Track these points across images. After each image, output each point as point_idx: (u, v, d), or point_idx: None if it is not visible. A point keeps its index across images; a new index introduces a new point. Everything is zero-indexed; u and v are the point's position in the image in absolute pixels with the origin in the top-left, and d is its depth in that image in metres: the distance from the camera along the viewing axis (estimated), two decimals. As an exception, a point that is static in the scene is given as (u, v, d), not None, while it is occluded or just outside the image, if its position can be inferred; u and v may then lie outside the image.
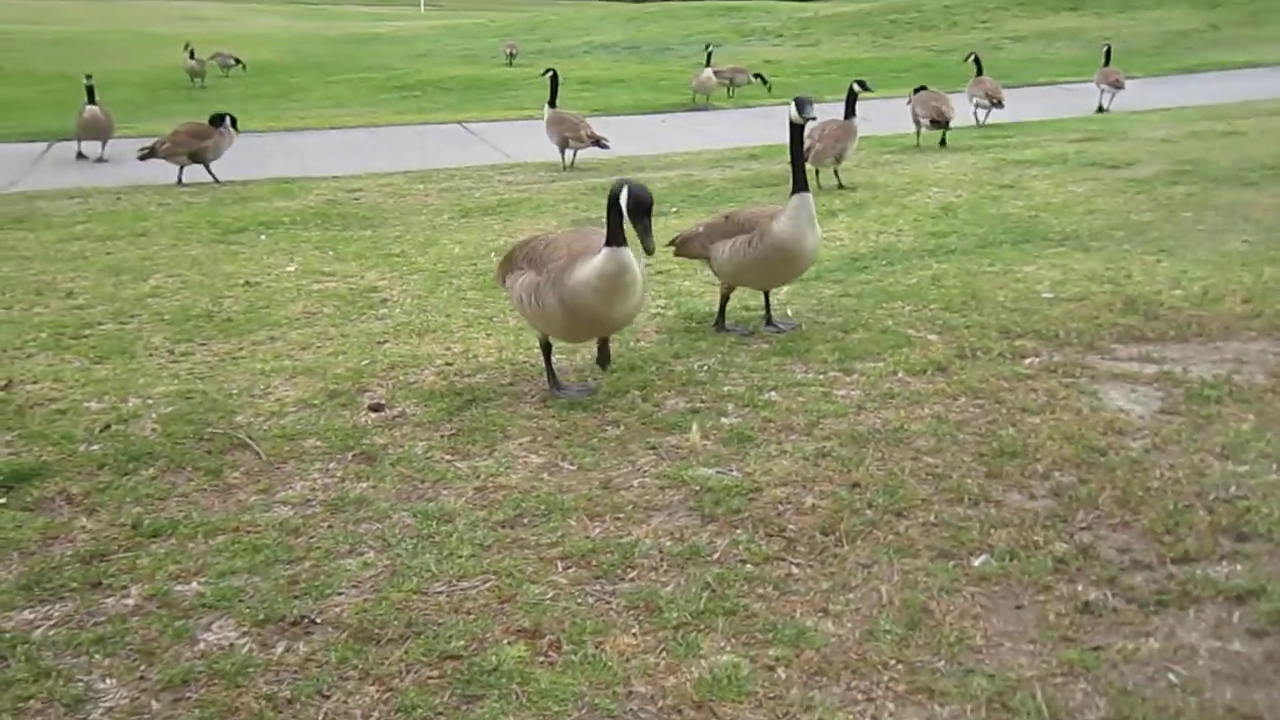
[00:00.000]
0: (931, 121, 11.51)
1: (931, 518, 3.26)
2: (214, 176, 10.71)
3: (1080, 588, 2.88)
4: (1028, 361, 4.58)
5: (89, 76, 12.48)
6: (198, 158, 10.60)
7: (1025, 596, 2.86)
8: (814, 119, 5.14)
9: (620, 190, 3.91)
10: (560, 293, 4.04)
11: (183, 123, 11.05)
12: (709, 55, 18.17)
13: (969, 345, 4.79)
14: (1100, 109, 15.36)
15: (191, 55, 21.69)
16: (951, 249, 6.78)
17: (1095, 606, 2.79)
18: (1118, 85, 15.45)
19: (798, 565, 3.03)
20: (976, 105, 13.63)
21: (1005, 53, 24.90)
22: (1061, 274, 5.92)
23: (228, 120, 10.69)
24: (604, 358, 4.49)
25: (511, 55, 26.38)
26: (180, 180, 10.68)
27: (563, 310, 4.08)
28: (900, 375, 4.50)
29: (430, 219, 8.61)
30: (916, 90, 11.98)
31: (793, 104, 5.02)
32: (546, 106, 11.29)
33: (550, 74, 11.55)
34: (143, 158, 10.64)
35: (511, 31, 34.27)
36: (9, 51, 26.54)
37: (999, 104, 13.42)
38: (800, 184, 4.91)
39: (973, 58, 14.42)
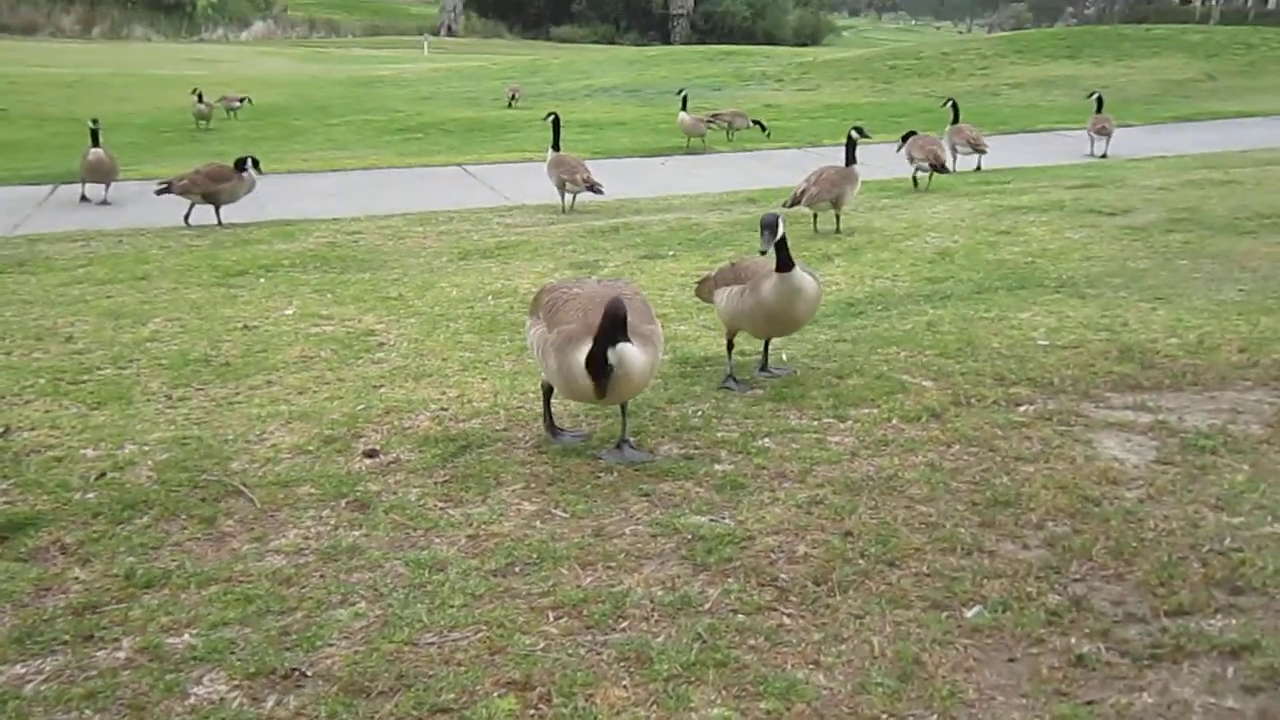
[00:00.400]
0: (931, 165, 11.60)
1: (924, 568, 3.26)
2: (219, 219, 10.76)
3: (1073, 640, 2.87)
4: (1022, 409, 4.59)
5: (94, 120, 12.59)
6: (211, 199, 10.66)
7: (1018, 649, 2.85)
8: (763, 252, 4.77)
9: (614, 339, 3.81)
10: (560, 361, 4.05)
11: (205, 163, 11.12)
12: (684, 100, 18.48)
13: (964, 392, 4.81)
14: (1102, 155, 15.47)
15: (200, 99, 21.87)
16: (947, 295, 6.81)
17: (1089, 660, 2.78)
18: (1103, 132, 15.51)
19: (789, 615, 3.03)
20: (959, 153, 13.48)
21: (1003, 99, 25.12)
22: (1057, 321, 5.95)
23: (249, 164, 10.74)
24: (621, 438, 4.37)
25: (513, 98, 26.56)
26: (187, 220, 10.74)
27: (560, 377, 4.11)
28: (894, 422, 4.51)
29: (428, 261, 8.65)
30: (906, 136, 12.07)
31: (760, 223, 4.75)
32: (550, 149, 11.44)
33: (552, 117, 11.69)
34: (159, 192, 10.72)
35: (513, 75, 34.55)
36: (17, 94, 26.77)
37: (983, 150, 13.35)
38: (782, 264, 4.78)
39: (950, 104, 14.35)
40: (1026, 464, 4.01)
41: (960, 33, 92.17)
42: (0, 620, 3.07)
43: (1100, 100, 16.06)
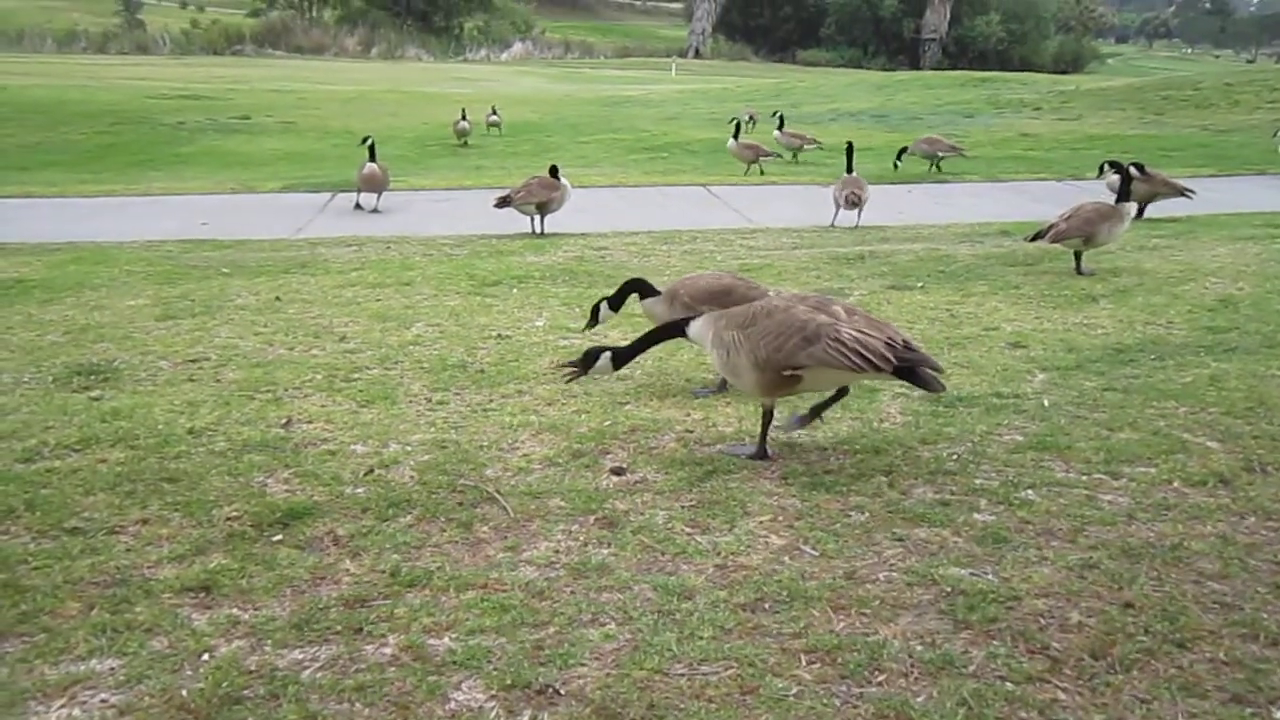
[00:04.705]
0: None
1: (1221, 654, 2.93)
2: (542, 228, 11.37)
3: None
4: (1330, 482, 4.10)
5: (366, 138, 13.58)
6: (544, 209, 11.26)
7: (1338, 762, 2.51)
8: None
9: None
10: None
11: (532, 176, 11.71)
12: (736, 127, 19.16)
13: (1258, 458, 4.36)
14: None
15: (463, 116, 23.10)
16: (1232, 346, 6.23)
17: None
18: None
19: (1064, 690, 2.79)
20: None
21: (1292, 133, 22.96)
22: (1367, 384, 5.31)
23: (559, 172, 11.35)
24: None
25: (750, 121, 26.35)
26: (539, 231, 11.40)
27: None
28: (1176, 485, 4.13)
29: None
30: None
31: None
32: (844, 172, 12.04)
33: (848, 145, 12.36)
34: (498, 206, 11.32)
35: (757, 97, 34.69)
36: (305, 109, 29.25)
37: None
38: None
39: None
40: (1338, 546, 3.57)
41: (1249, 62, 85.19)
42: (281, 604, 3.27)
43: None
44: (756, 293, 5.46)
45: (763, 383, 4.35)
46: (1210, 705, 2.71)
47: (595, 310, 5.73)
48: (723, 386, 5.53)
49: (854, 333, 4.12)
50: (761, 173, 17.61)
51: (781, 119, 20.47)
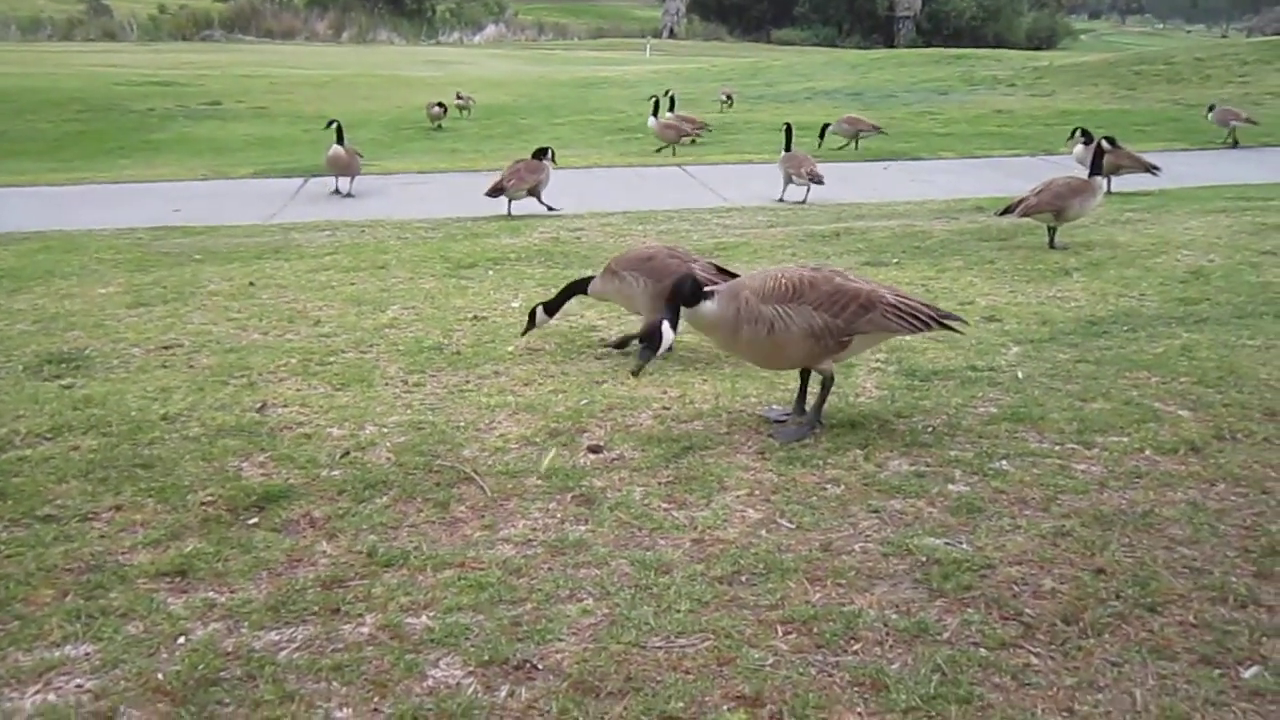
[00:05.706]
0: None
1: (1190, 617, 2.97)
2: (548, 206, 11.38)
3: (1375, 717, 2.55)
4: (1299, 448, 4.16)
5: (332, 121, 13.42)
6: (534, 191, 11.25)
7: (1307, 720, 2.55)
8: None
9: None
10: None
11: (518, 160, 11.62)
12: (655, 105, 18.01)
13: (1228, 426, 4.41)
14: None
15: (441, 106, 22.87)
16: (1204, 318, 6.29)
17: (1396, 742, 2.46)
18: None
19: (1037, 655, 2.82)
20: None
21: (1265, 109, 23.10)
22: (1336, 351, 5.38)
23: (548, 154, 11.33)
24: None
25: (727, 100, 26.30)
26: (549, 207, 11.39)
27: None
28: (1148, 453, 4.18)
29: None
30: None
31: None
32: (783, 150, 12.27)
33: (785, 126, 12.46)
34: (490, 195, 11.20)
35: (733, 77, 34.57)
36: (276, 94, 28.90)
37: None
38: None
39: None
40: (1306, 510, 3.62)
41: (1223, 36, 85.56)
42: (258, 587, 3.26)
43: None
44: (675, 258, 5.62)
45: (816, 350, 4.42)
46: (1180, 667, 2.75)
47: (554, 307, 5.88)
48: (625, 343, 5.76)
49: (900, 298, 4.43)
50: (674, 154, 17.12)
51: (673, 100, 19.22)
